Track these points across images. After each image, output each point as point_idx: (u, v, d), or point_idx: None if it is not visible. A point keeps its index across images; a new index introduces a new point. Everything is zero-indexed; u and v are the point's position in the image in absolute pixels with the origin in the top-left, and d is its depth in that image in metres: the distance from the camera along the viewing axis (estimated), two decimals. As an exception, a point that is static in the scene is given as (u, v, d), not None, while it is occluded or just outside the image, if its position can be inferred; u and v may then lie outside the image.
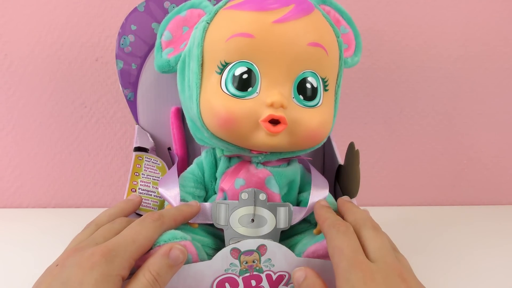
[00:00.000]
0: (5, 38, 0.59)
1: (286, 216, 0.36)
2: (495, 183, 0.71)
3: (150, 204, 0.42)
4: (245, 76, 0.34)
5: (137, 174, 0.43)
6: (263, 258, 0.31)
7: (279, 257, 0.31)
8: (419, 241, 0.57)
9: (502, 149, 0.69)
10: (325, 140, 0.38)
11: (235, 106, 0.34)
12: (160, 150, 0.50)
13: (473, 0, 0.62)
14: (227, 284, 0.32)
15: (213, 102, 0.35)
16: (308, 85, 0.35)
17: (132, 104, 0.48)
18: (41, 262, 0.31)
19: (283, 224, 0.36)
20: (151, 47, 0.46)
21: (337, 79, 0.38)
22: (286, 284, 0.32)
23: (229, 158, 0.39)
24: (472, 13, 0.62)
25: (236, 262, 0.31)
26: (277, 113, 0.33)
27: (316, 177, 0.40)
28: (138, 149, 0.46)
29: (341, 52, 0.38)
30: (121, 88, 0.47)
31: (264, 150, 0.36)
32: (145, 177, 0.44)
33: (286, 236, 0.38)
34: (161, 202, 0.43)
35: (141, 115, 0.49)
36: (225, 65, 0.35)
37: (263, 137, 0.34)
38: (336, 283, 0.27)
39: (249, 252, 0.31)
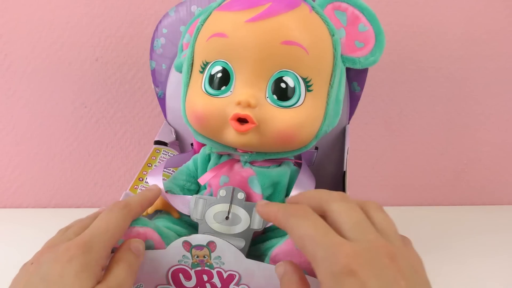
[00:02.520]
0: (5, 38, 0.59)
1: (261, 217, 0.35)
2: (495, 183, 0.71)
3: None
4: (219, 75, 0.35)
5: (150, 165, 0.46)
6: (213, 255, 0.31)
7: (228, 256, 0.31)
8: (418, 241, 0.57)
9: (502, 149, 0.69)
10: (311, 142, 0.37)
11: (208, 105, 0.35)
12: (185, 145, 0.53)
13: (473, 0, 0.62)
14: (181, 275, 0.32)
15: (192, 101, 0.36)
16: (283, 85, 0.34)
17: (162, 101, 0.51)
18: (41, 262, 0.31)
19: (257, 225, 0.35)
20: None
21: (331, 80, 0.36)
22: (237, 284, 0.32)
23: (220, 156, 0.40)
24: (472, 13, 0.62)
25: (188, 254, 0.32)
26: (243, 112, 0.33)
27: (303, 176, 0.40)
28: (157, 142, 0.48)
29: (336, 51, 0.37)
30: (153, 86, 0.50)
31: (237, 147, 0.37)
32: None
33: (265, 239, 0.37)
34: None
35: (169, 111, 0.52)
36: (206, 64, 0.36)
37: (233, 135, 0.34)
38: (318, 277, 0.24)
39: (199, 247, 0.31)
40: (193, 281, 0.32)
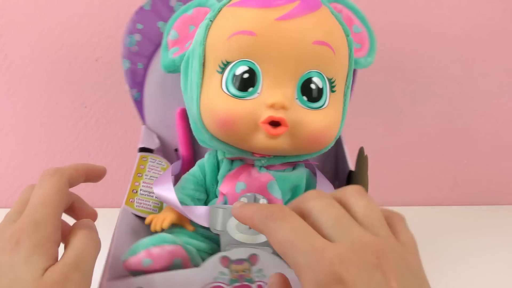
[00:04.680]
0: (5, 38, 0.59)
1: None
2: (495, 183, 0.71)
3: (150, 205, 0.41)
4: (246, 75, 0.33)
5: (140, 175, 0.42)
6: (254, 268, 0.30)
7: (271, 268, 0.30)
8: (418, 241, 0.57)
9: (502, 149, 0.69)
10: (332, 143, 0.37)
11: (235, 107, 0.33)
12: (168, 151, 0.49)
13: (473, 0, 0.62)
14: None
15: (213, 103, 0.34)
16: (313, 86, 0.34)
17: (139, 104, 0.48)
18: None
19: None
20: (157, 46, 0.45)
21: (346, 80, 0.36)
22: None
23: (232, 161, 0.38)
24: (472, 13, 0.62)
25: (226, 270, 0.30)
26: (277, 115, 0.32)
27: (321, 183, 0.39)
28: (143, 149, 0.45)
29: (351, 52, 0.36)
30: (128, 88, 0.47)
31: (265, 152, 0.35)
32: (148, 178, 0.42)
33: None
34: (162, 204, 0.42)
35: (148, 115, 0.48)
36: (226, 64, 0.34)
37: (263, 139, 0.33)
38: (303, 286, 0.22)
39: (239, 261, 0.30)
40: None
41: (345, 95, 0.36)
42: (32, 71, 0.61)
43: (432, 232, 0.60)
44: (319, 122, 0.34)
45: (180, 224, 0.37)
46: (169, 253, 0.30)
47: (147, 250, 0.30)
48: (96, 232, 0.29)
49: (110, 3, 0.59)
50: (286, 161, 0.37)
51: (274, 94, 0.32)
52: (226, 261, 0.30)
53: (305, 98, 0.34)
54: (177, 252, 0.30)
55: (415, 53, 0.64)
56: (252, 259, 0.30)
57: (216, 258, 0.30)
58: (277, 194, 0.36)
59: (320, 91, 0.34)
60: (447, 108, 0.67)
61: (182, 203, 0.37)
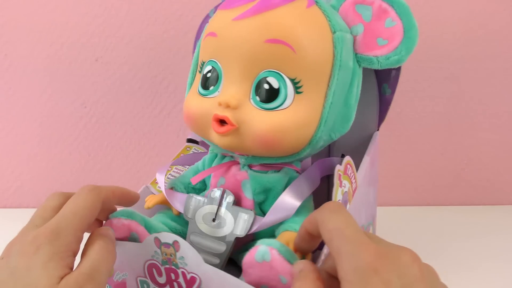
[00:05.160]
0: (5, 38, 0.59)
1: (245, 223, 0.34)
2: (495, 183, 0.71)
3: None
4: (209, 75, 0.35)
5: None
6: (178, 254, 0.31)
7: (190, 258, 0.31)
8: (418, 242, 0.57)
9: (502, 149, 0.69)
10: (307, 148, 0.34)
11: (196, 105, 0.35)
12: None
13: (473, 0, 0.62)
14: (154, 270, 0.33)
15: (187, 101, 0.37)
16: (266, 86, 0.32)
17: None
18: (41, 262, 0.31)
19: (239, 231, 0.34)
20: None
21: (329, 81, 0.33)
22: None
23: (224, 156, 0.39)
24: (472, 13, 0.62)
25: (159, 251, 0.32)
26: (222, 113, 0.32)
27: (301, 178, 0.37)
28: (189, 140, 0.50)
29: (338, 50, 0.33)
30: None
31: (222, 148, 0.35)
32: (182, 166, 0.47)
33: (251, 246, 0.35)
34: None
35: None
36: (203, 64, 0.36)
37: (215, 136, 0.34)
38: (339, 272, 0.24)
39: (167, 245, 0.31)
40: (164, 278, 0.33)
41: (326, 97, 0.33)
42: (32, 71, 0.61)
43: (432, 232, 0.60)
44: (266, 123, 0.32)
45: (169, 207, 0.40)
46: (124, 226, 0.33)
47: (110, 220, 0.33)
48: (113, 242, 0.31)
49: (110, 3, 0.59)
50: (263, 162, 0.36)
51: (225, 93, 0.34)
52: (158, 242, 0.32)
53: (257, 98, 0.33)
54: (132, 227, 0.33)
55: (415, 53, 0.64)
56: (175, 245, 0.31)
57: (151, 237, 0.32)
58: (248, 193, 0.36)
59: (275, 91, 0.32)
60: (447, 108, 0.67)
61: (174, 188, 0.40)
